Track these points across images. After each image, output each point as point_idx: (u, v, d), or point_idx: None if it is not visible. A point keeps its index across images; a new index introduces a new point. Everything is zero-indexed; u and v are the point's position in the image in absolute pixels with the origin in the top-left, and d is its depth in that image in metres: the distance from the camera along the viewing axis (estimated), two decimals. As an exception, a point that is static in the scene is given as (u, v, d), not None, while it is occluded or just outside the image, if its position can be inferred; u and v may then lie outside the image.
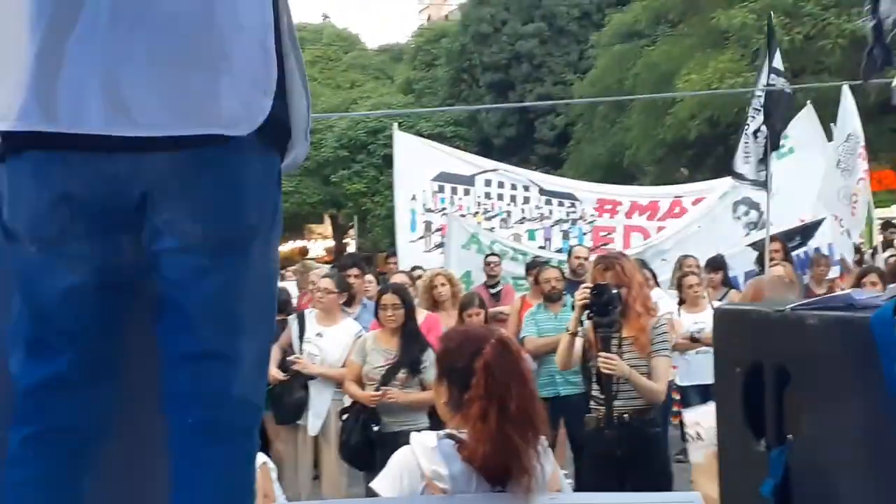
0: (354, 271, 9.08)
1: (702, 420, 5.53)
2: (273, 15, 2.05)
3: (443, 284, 8.63)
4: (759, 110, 10.00)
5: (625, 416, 5.24)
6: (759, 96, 10.17)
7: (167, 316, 2.02)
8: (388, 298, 6.82)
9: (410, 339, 6.76)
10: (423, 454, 2.90)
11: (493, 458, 2.81)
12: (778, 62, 10.23)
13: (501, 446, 2.79)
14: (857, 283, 7.47)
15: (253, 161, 2.03)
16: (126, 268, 2.00)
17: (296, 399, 7.24)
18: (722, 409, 2.30)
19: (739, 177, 10.46)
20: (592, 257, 10.03)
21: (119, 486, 2.12)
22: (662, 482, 5.36)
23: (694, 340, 8.68)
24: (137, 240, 1.98)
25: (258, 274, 2.09)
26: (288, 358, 7.30)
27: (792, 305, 2.06)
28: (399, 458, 2.96)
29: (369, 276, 10.37)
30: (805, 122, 12.76)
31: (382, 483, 2.94)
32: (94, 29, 1.85)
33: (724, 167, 20.53)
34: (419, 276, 9.75)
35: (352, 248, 35.05)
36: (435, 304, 8.50)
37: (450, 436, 2.94)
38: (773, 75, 10.11)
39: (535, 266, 9.62)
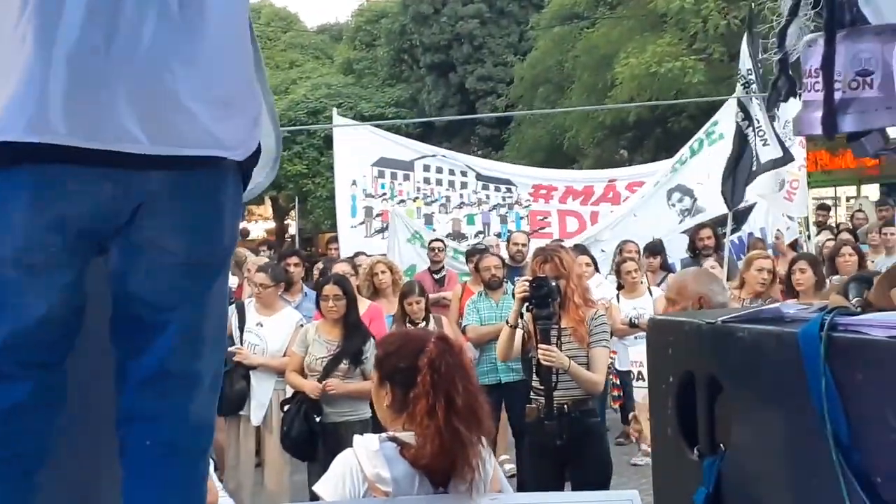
0: (294, 259, 9.07)
1: (642, 359, 5.62)
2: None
3: (383, 272, 8.65)
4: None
5: (564, 406, 5.32)
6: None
7: (133, 336, 2.02)
8: (330, 289, 6.82)
9: (352, 329, 6.77)
10: (366, 457, 2.92)
11: (440, 454, 2.83)
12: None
13: (450, 441, 2.82)
14: (789, 269, 7.62)
15: (231, 184, 2.07)
16: (87, 291, 1.98)
17: (237, 390, 7.18)
18: (655, 417, 2.35)
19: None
20: (532, 243, 10.18)
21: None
22: (602, 471, 5.45)
23: (632, 326, 8.78)
24: (104, 261, 1.98)
25: (221, 294, 2.13)
26: (229, 349, 7.25)
27: (723, 318, 2.12)
28: (341, 462, 2.98)
29: (320, 265, 10.36)
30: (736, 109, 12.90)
31: (325, 486, 2.96)
32: (116, 48, 1.83)
33: (662, 149, 20.84)
34: (360, 264, 9.78)
35: (293, 229, 34.80)
36: (376, 292, 8.52)
37: (392, 438, 2.96)
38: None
39: (474, 253, 9.67)
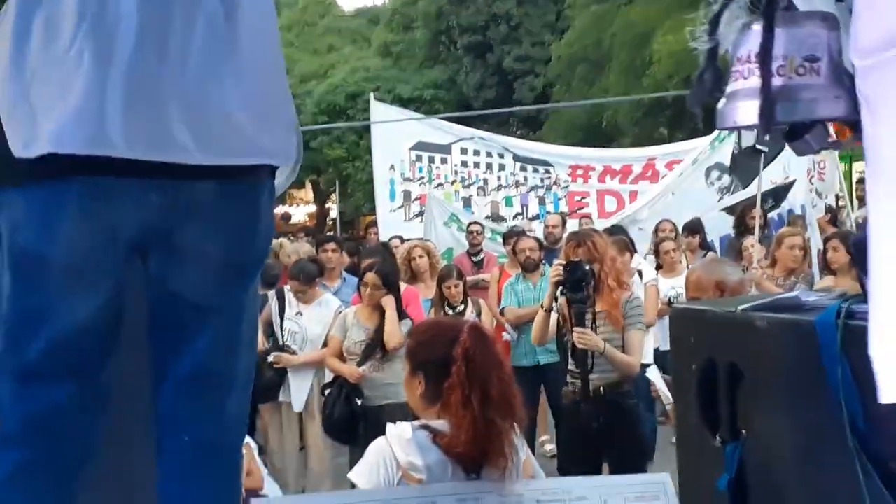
0: (332, 245, 9.11)
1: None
2: None
3: (420, 256, 8.64)
4: None
5: (600, 389, 5.34)
6: None
7: (172, 338, 2.08)
8: (370, 278, 6.84)
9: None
10: (399, 445, 2.96)
11: (474, 444, 2.85)
12: None
13: (484, 431, 2.85)
14: (824, 247, 7.59)
15: (268, 190, 2.15)
16: (131, 294, 2.04)
17: (267, 380, 7.18)
18: (679, 404, 2.38)
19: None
20: (569, 223, 10.16)
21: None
22: (640, 453, 5.48)
23: (670, 305, 8.74)
24: (146, 264, 2.04)
25: (255, 295, 2.21)
26: (268, 358, 7.23)
27: (743, 306, 2.14)
28: (375, 450, 3.02)
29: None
30: None
31: (359, 474, 3.00)
32: (168, 63, 1.90)
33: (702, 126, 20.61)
34: (396, 247, 9.84)
35: (334, 212, 34.99)
36: (413, 276, 8.56)
37: (425, 426, 3.00)
38: None
39: (512, 236, 9.70)
